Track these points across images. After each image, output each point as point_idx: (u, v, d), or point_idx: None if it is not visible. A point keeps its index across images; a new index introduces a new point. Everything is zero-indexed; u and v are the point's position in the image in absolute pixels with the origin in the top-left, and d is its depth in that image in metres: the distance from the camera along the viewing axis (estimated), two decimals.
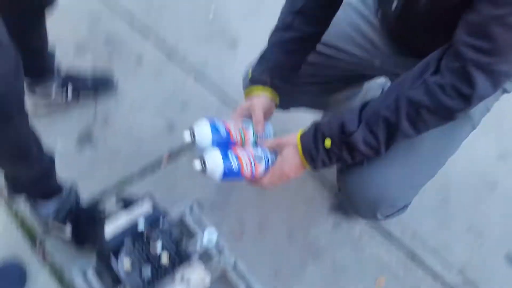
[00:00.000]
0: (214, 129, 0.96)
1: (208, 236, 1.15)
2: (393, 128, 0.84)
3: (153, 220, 1.01)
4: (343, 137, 0.87)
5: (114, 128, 1.54)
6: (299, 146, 0.92)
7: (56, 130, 1.48)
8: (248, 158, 0.92)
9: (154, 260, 0.96)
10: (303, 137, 0.92)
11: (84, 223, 1.17)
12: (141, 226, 0.99)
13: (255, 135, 1.01)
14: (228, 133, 0.98)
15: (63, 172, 1.17)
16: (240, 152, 0.93)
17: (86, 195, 1.27)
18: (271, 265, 1.25)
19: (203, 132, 0.95)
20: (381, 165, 0.96)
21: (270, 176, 0.95)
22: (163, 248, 0.98)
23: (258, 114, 0.99)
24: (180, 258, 0.97)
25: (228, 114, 1.10)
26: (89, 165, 1.43)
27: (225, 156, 0.90)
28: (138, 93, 1.64)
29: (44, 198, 1.13)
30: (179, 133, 0.97)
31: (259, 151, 0.96)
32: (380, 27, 1.08)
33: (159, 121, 1.57)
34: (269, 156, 0.96)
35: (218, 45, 1.86)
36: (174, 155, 1.47)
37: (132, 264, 0.96)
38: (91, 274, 1.01)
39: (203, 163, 0.89)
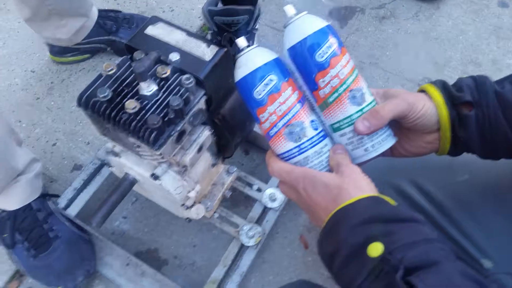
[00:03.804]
0: (320, 41, 0.51)
1: (271, 194, 1.02)
2: None
3: (186, 70, 0.71)
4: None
5: None
6: (336, 208, 0.49)
7: None
8: (284, 115, 0.53)
9: (124, 94, 0.70)
10: (359, 203, 0.49)
11: None
12: (171, 58, 0.71)
13: (350, 125, 0.54)
14: (328, 66, 0.52)
15: None
16: (292, 99, 0.53)
17: None
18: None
19: (306, 25, 0.52)
20: None
21: (287, 175, 0.55)
22: (148, 99, 0.68)
23: (390, 107, 0.54)
24: (149, 134, 0.67)
25: None
26: None
27: (269, 70, 0.53)
28: None
29: None
30: None
31: (315, 139, 0.55)
32: None
33: None
34: (321, 156, 0.55)
35: None
36: None
37: (114, 77, 0.70)
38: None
39: (230, 41, 0.53)
